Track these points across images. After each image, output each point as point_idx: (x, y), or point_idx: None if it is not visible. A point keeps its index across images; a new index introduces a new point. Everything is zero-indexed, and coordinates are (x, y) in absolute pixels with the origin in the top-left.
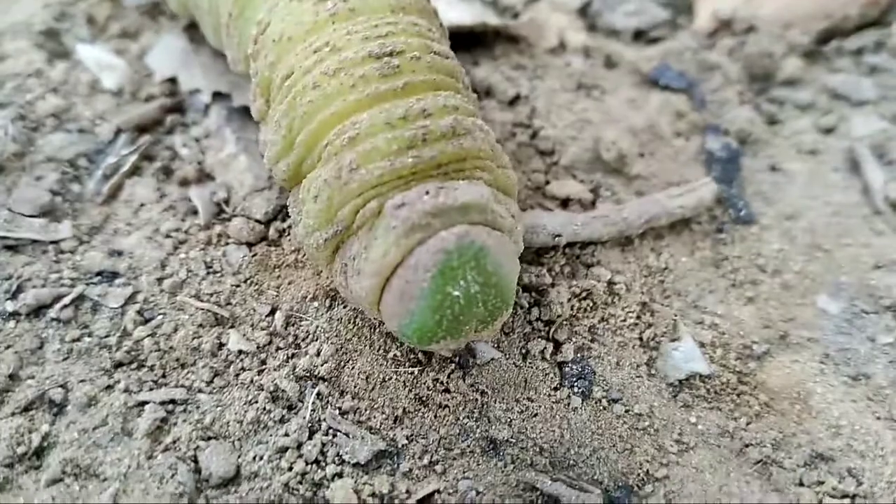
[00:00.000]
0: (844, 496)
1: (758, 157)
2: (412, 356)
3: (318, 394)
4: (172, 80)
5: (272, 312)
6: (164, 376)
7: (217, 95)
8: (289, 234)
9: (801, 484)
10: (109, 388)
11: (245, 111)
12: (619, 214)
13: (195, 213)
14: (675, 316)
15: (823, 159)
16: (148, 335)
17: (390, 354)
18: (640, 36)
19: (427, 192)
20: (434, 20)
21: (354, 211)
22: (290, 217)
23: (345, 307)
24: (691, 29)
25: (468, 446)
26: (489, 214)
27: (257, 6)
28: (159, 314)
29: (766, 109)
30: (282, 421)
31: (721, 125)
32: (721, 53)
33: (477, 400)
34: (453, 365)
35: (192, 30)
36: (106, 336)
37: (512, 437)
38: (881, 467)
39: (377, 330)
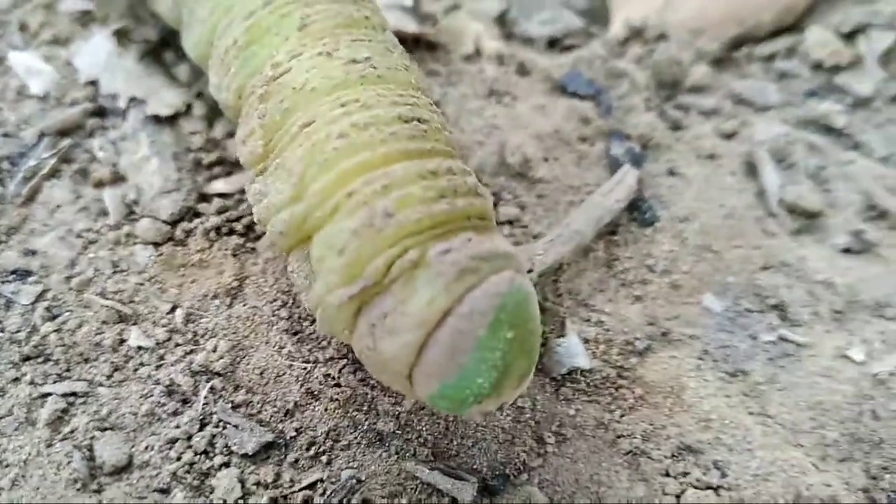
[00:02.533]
0: (708, 487)
1: (658, 161)
2: (305, 353)
3: (212, 388)
4: (95, 83)
5: (173, 310)
6: (67, 370)
7: (133, 100)
8: (194, 235)
9: (667, 475)
10: (17, 380)
11: (159, 119)
12: (569, 229)
13: (107, 213)
14: (564, 314)
15: (721, 163)
16: (54, 331)
17: (285, 350)
18: (554, 44)
19: (470, 240)
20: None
21: (388, 263)
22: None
23: (244, 305)
24: (604, 38)
25: (355, 438)
26: (521, 266)
27: (271, 46)
28: (66, 311)
29: (670, 115)
30: (175, 413)
31: (625, 131)
32: (630, 61)
33: (366, 394)
34: (345, 360)
35: (121, 34)
36: (16, 331)
37: (398, 430)
38: (748, 461)
39: (274, 327)
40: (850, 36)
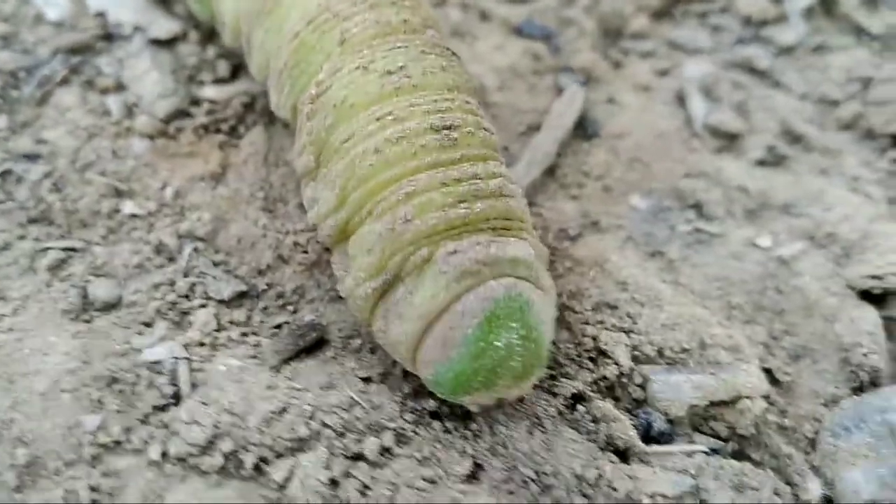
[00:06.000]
0: (621, 330)
1: (599, 91)
2: (278, 226)
3: (195, 248)
4: (103, 14)
5: (164, 188)
6: (68, 232)
7: (137, 28)
8: (185, 131)
9: (587, 323)
10: (22, 237)
11: (159, 42)
12: (541, 152)
13: (110, 113)
14: None
15: (655, 95)
16: (58, 201)
17: (260, 223)
18: None
19: (479, 243)
20: (477, 97)
21: (405, 259)
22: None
23: (226, 187)
24: None
25: (318, 295)
26: (534, 272)
27: (316, 63)
28: (70, 186)
29: (612, 56)
30: (161, 266)
31: (572, 66)
32: (579, 11)
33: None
34: (313, 233)
35: None
36: (25, 201)
37: None
38: (657, 314)
39: (251, 205)
40: None
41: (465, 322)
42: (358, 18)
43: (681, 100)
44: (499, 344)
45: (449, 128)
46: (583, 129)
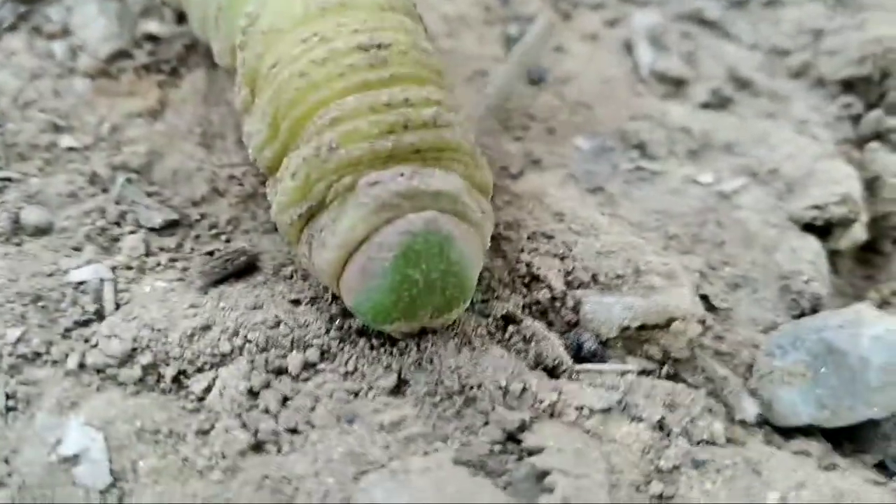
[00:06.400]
0: (555, 256)
1: (547, 40)
2: (214, 160)
3: (129, 179)
4: None
5: (101, 123)
6: (6, 164)
7: None
8: (126, 72)
9: (522, 251)
10: None
11: None
12: (493, 99)
13: (55, 57)
14: None
15: (603, 44)
16: None
17: (197, 157)
18: None
19: (402, 175)
20: (419, 23)
21: (329, 186)
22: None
23: (164, 124)
24: None
25: (253, 227)
26: (459, 205)
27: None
28: (10, 122)
29: (562, 8)
30: (94, 196)
31: (522, 17)
32: None
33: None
34: (248, 166)
35: None
36: None
37: None
38: (592, 242)
39: (188, 141)
40: None
41: (382, 254)
42: None
43: (629, 49)
44: (417, 277)
45: (378, 46)
46: (529, 73)
